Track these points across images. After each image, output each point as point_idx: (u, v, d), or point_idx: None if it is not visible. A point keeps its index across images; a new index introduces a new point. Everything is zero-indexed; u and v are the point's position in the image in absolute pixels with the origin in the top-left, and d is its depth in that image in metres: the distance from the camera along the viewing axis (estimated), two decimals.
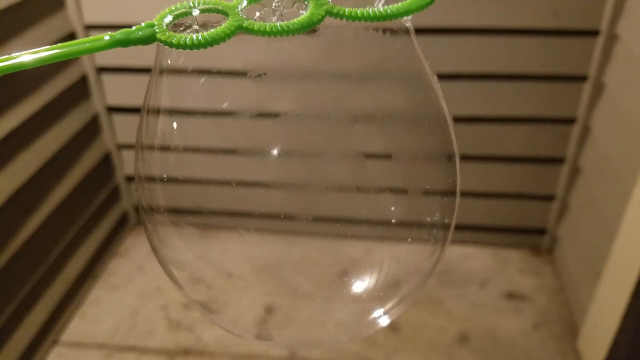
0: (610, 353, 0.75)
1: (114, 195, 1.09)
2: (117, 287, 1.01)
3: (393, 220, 0.25)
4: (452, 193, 0.27)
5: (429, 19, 0.84)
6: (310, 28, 0.21)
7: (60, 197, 0.89)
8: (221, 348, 0.88)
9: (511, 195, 1.01)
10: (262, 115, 0.24)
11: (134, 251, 1.10)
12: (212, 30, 0.21)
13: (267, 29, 0.21)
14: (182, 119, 0.24)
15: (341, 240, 0.25)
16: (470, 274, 1.00)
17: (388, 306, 0.27)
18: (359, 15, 0.22)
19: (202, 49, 0.21)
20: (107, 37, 0.21)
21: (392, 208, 0.25)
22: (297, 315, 0.27)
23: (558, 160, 0.95)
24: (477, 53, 0.88)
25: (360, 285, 0.26)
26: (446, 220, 0.27)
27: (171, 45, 0.21)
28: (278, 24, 0.21)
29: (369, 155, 0.25)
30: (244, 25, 0.21)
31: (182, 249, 0.26)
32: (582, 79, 0.86)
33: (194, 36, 0.21)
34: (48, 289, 0.88)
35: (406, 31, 0.24)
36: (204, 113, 0.24)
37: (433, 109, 0.26)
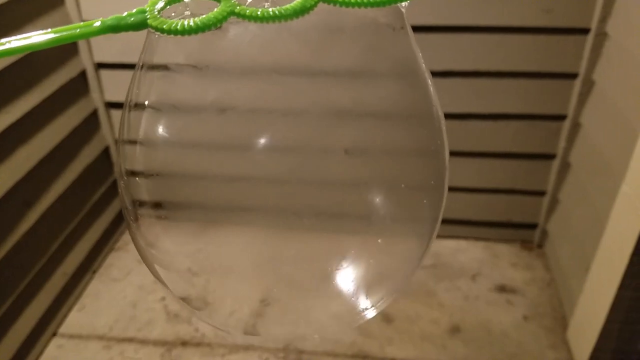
0: (598, 344, 0.76)
1: (113, 189, 1.10)
2: (116, 279, 1.02)
3: (384, 215, 0.25)
4: (441, 188, 0.27)
5: (421, 16, 0.86)
6: (303, 14, 0.21)
7: (60, 191, 0.91)
8: (218, 339, 0.89)
9: (502, 190, 1.02)
10: (257, 109, 0.24)
11: (133, 244, 1.11)
12: (204, 16, 0.20)
13: (260, 15, 0.20)
14: (172, 113, 0.24)
15: (333, 234, 0.25)
16: (462, 268, 1.01)
17: (377, 297, 0.27)
18: (352, 1, 0.21)
19: (193, 35, 0.20)
20: (98, 23, 0.21)
21: (384, 203, 0.25)
22: (290, 309, 0.27)
23: (549, 156, 0.97)
24: (469, 51, 0.89)
25: (351, 278, 0.25)
26: (435, 215, 0.27)
27: (162, 31, 0.20)
28: (270, 9, 0.20)
29: (363, 150, 0.25)
30: (236, 10, 0.21)
31: (177, 243, 0.26)
32: (573, 76, 0.88)
33: (185, 22, 0.20)
34: (48, 282, 0.89)
35: (401, 26, 0.24)
36: (195, 107, 0.24)
37: (424, 104, 0.25)
